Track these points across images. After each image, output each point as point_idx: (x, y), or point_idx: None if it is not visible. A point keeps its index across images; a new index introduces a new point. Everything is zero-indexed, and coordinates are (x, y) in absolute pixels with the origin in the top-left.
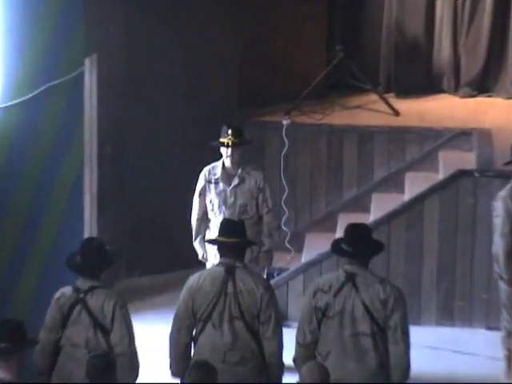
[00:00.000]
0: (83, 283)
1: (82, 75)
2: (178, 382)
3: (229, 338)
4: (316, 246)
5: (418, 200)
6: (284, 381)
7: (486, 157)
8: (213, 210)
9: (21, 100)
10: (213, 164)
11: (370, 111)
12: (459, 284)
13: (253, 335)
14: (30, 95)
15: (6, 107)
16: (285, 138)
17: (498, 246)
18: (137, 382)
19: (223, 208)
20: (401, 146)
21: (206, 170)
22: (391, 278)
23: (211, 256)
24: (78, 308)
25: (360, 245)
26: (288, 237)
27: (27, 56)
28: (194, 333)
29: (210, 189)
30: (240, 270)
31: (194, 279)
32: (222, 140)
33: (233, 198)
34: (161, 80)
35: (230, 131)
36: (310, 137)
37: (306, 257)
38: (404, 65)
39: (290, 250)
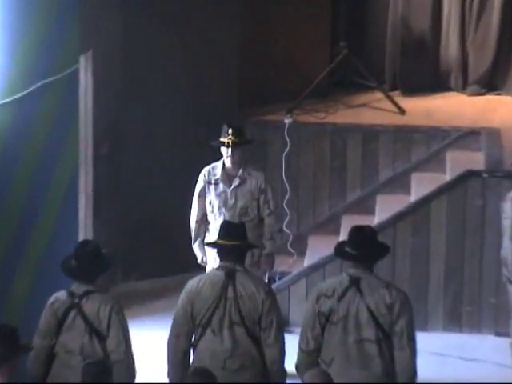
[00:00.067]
0: (78, 288)
1: (76, 73)
2: None
3: (229, 345)
4: (319, 249)
5: (425, 202)
6: None
7: (495, 157)
8: (212, 211)
9: (14, 98)
10: (213, 164)
11: (374, 110)
12: (467, 288)
13: (254, 341)
14: (24, 93)
15: None
16: (287, 137)
17: (507, 249)
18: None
19: (223, 210)
20: (407, 145)
21: (205, 170)
22: (397, 282)
23: (211, 259)
24: (72, 313)
25: (364, 248)
26: (290, 240)
27: (20, 53)
28: (192, 339)
29: (209, 190)
30: (240, 274)
31: (192, 283)
32: (222, 140)
33: (233, 200)
34: (159, 78)
35: (230, 131)
36: (312, 136)
37: (308, 260)
38: (410, 62)
39: (292, 254)
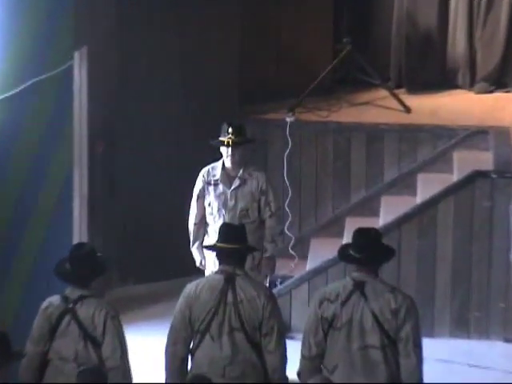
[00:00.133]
0: (72, 292)
1: (71, 70)
2: None
3: (228, 351)
4: (322, 252)
5: (431, 203)
6: None
7: (504, 157)
8: (212, 213)
9: (5, 96)
10: (212, 164)
11: (379, 108)
12: (475, 293)
13: (254, 348)
14: (16, 91)
15: None
16: (288, 136)
17: None
18: None
19: (223, 211)
20: (412, 145)
21: (204, 170)
22: (402, 287)
23: (210, 263)
24: (66, 319)
25: (369, 251)
26: (292, 242)
27: (12, 49)
28: (191, 345)
29: (208, 191)
30: (240, 278)
31: (191, 288)
32: (221, 139)
33: (233, 201)
34: (156, 75)
35: (230, 129)
36: (315, 135)
37: (310, 264)
38: (416, 58)
39: (294, 257)
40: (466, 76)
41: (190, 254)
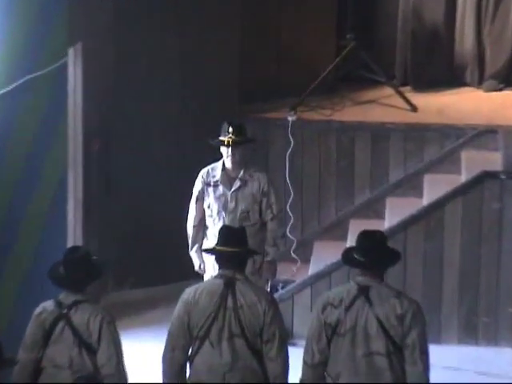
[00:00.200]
0: (66, 297)
1: (65, 67)
2: None
3: (228, 358)
4: (325, 255)
5: (438, 205)
6: None
7: None
8: (211, 215)
9: None
10: (212, 165)
11: (384, 106)
12: (483, 298)
13: (255, 355)
14: (8, 89)
15: None
16: (290, 136)
17: None
18: None
19: (223, 214)
20: (419, 144)
21: (204, 171)
22: (408, 291)
23: (209, 267)
24: (60, 325)
25: (374, 254)
26: (294, 246)
27: (4, 46)
28: (189, 352)
29: (208, 192)
30: (241, 282)
31: (189, 292)
32: (221, 138)
33: (234, 203)
34: (154, 72)
35: (230, 129)
36: (317, 135)
37: (313, 268)
38: (422, 55)
39: (296, 261)
40: (474, 73)
41: (189, 257)
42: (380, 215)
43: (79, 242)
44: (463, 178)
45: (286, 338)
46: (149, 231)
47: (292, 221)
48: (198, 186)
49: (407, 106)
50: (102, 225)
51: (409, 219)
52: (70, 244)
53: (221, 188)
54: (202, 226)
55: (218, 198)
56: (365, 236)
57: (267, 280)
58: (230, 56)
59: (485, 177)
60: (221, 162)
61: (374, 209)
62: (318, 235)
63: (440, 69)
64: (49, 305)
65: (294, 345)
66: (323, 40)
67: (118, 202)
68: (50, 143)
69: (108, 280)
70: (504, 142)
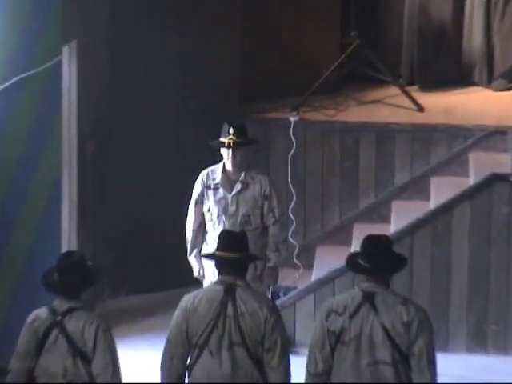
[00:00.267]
0: (60, 304)
1: (59, 65)
2: None
3: (228, 368)
4: (328, 261)
5: (446, 208)
6: None
7: None
8: (211, 219)
9: None
10: (212, 167)
11: (389, 106)
12: (493, 305)
13: (256, 364)
14: (0, 88)
15: None
16: (292, 137)
17: None
18: None
19: (223, 218)
20: (425, 146)
21: (203, 174)
22: (415, 298)
23: (209, 273)
24: (54, 332)
25: (379, 260)
26: (296, 251)
27: None
28: (188, 361)
29: (208, 196)
30: (241, 289)
31: (188, 299)
32: (222, 140)
33: (234, 207)
34: (151, 71)
35: (231, 130)
36: (321, 136)
37: (316, 274)
38: (429, 53)
39: (299, 266)
40: (482, 72)
41: (187, 263)
42: (385, 219)
43: (74, 246)
44: (471, 180)
45: (287, 347)
46: (146, 235)
47: (294, 225)
48: (197, 188)
49: (413, 106)
50: (97, 228)
51: (415, 223)
52: (64, 247)
53: (221, 191)
54: (201, 230)
55: (218, 202)
56: (370, 241)
57: (269, 286)
58: (230, 56)
59: (494, 179)
60: (221, 164)
61: (379, 212)
62: (321, 240)
63: (448, 67)
64: (42, 312)
65: (296, 353)
66: (326, 38)
67: (114, 204)
68: (44, 143)
69: (103, 286)
70: None
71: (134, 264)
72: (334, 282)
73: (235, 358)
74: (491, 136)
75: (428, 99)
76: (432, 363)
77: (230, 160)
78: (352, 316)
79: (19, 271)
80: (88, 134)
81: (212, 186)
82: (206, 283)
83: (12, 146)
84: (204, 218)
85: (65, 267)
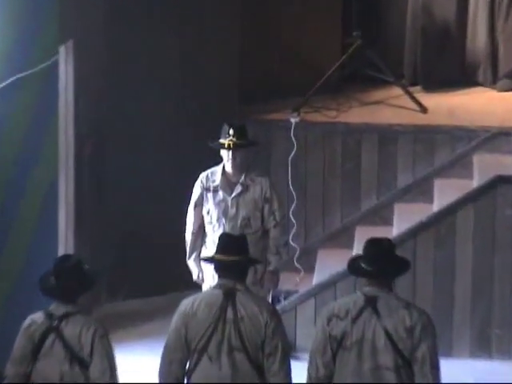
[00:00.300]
0: (57, 308)
1: (56, 65)
2: None
3: (228, 373)
4: (329, 264)
5: (449, 211)
6: None
7: None
8: (211, 222)
9: None
10: (211, 169)
11: (392, 107)
12: (497, 309)
13: (256, 369)
14: None
15: None
16: (293, 138)
17: None
18: None
19: (223, 220)
20: (429, 147)
21: (203, 176)
22: (418, 302)
23: (208, 276)
24: (51, 337)
25: (381, 263)
26: (297, 254)
27: None
28: (187, 366)
29: (207, 198)
30: (241, 293)
31: (187, 304)
32: (222, 141)
33: (234, 209)
34: (149, 72)
35: (231, 131)
36: (322, 137)
37: (317, 277)
38: (432, 54)
39: (300, 270)
40: (487, 72)
41: (186, 266)
42: (388, 222)
43: (70, 248)
44: (475, 182)
45: (288, 352)
46: (145, 237)
47: (295, 228)
48: (196, 190)
49: (416, 107)
50: (94, 230)
51: (418, 226)
52: (60, 249)
53: (221, 193)
54: (200, 233)
55: (217, 204)
56: (372, 244)
57: (269, 290)
58: (229, 56)
59: (498, 181)
60: (221, 166)
61: (382, 215)
62: (323, 243)
63: (451, 68)
64: (38, 317)
65: (297, 358)
66: (327, 38)
67: (112, 205)
68: (41, 144)
69: (101, 290)
70: None
71: (132, 267)
72: (335, 286)
73: (235, 363)
74: (495, 137)
75: (431, 100)
76: (435, 368)
77: (229, 162)
78: (354, 320)
79: (15, 275)
80: (85, 135)
81: (211, 189)
82: (206, 287)
83: (8, 146)
84: (203, 221)
85: (61, 271)
